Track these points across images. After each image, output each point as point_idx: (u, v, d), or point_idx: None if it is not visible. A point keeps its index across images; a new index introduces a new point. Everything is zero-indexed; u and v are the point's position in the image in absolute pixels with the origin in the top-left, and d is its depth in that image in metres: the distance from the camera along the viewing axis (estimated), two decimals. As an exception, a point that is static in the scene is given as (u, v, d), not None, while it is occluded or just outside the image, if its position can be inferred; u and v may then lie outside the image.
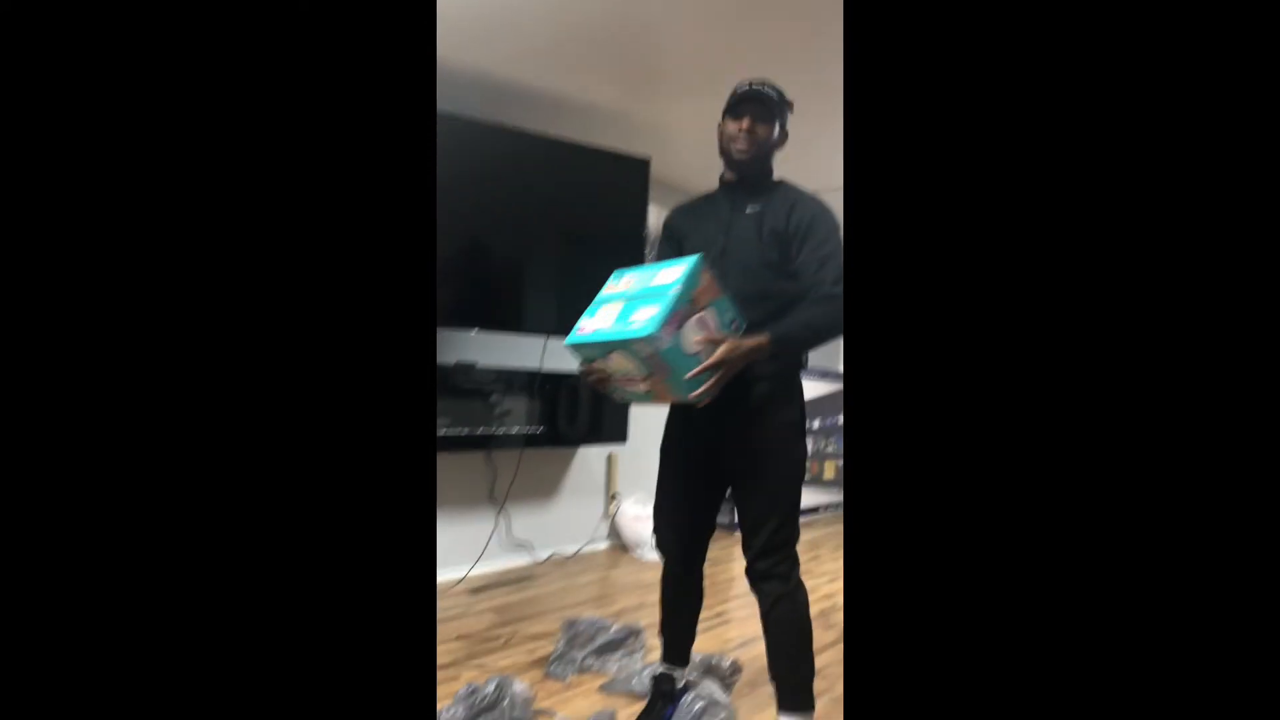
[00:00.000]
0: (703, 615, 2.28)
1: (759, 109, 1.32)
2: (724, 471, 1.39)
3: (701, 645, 2.00)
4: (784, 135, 1.39)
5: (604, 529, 3.15)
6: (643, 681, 1.65)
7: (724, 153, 1.38)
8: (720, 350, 1.13)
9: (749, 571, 1.38)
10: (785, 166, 1.48)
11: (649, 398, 1.23)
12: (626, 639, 1.87)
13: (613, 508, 3.13)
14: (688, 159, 3.04)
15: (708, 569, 2.91)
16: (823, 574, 2.83)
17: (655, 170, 2.98)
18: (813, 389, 4.05)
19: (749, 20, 1.89)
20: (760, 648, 2.01)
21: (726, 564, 2.95)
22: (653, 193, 2.93)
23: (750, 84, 1.36)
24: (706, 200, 1.46)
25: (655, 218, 3.33)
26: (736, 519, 1.41)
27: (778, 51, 2.04)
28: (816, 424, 4.10)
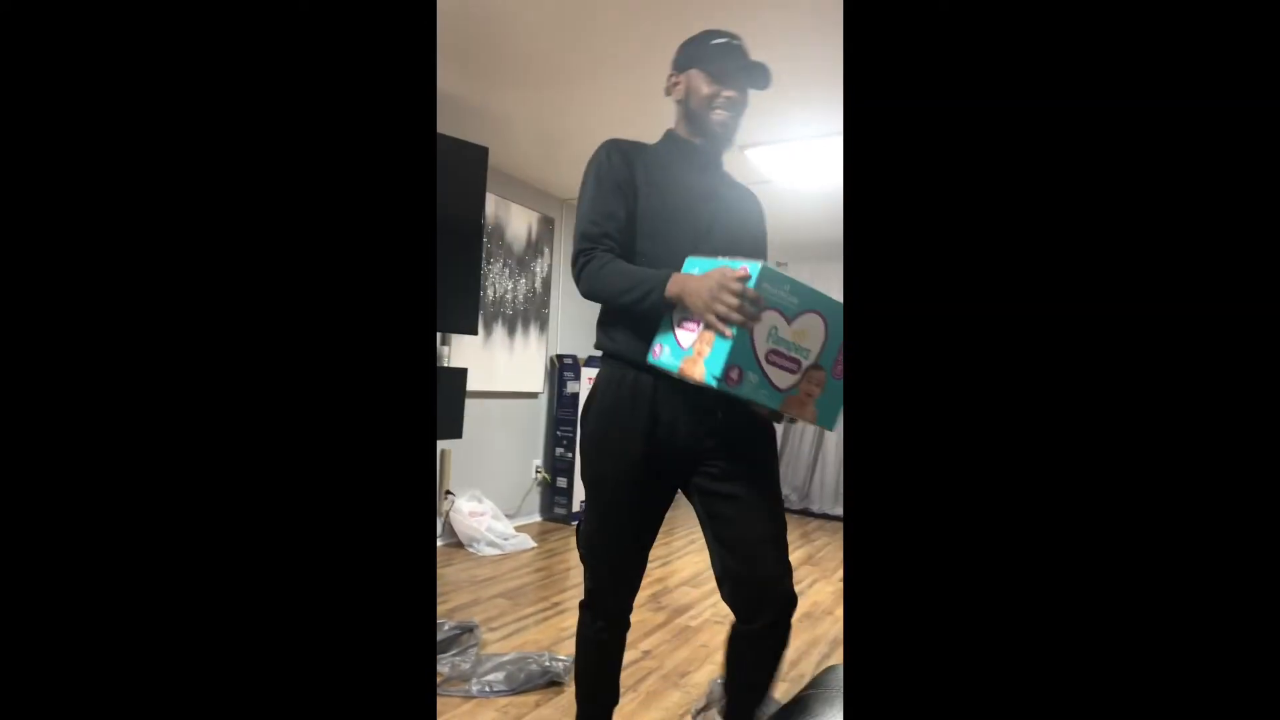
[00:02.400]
0: (539, 605, 2.31)
1: (750, 78, 1.12)
2: (686, 491, 1.13)
3: (536, 637, 2.01)
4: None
5: (437, 527, 3.05)
6: (481, 681, 1.64)
7: (694, 113, 1.13)
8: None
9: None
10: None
11: (775, 400, 0.95)
12: (460, 636, 1.84)
13: (446, 505, 3.04)
14: (527, 150, 3.02)
15: (547, 560, 2.93)
16: (653, 559, 2.97)
17: (494, 159, 2.93)
18: (647, 382, 4.21)
19: (593, 14, 1.92)
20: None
21: (563, 554, 2.99)
22: (491, 182, 2.88)
23: (717, 36, 1.12)
24: (670, 152, 1.17)
25: (493, 207, 3.27)
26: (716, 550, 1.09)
27: (618, 46, 2.10)
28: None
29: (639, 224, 1.12)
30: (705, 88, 1.11)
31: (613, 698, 1.22)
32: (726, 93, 1.11)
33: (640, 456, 1.07)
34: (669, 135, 1.19)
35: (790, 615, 1.07)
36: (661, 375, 1.05)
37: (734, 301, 0.88)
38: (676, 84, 1.16)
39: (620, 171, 1.12)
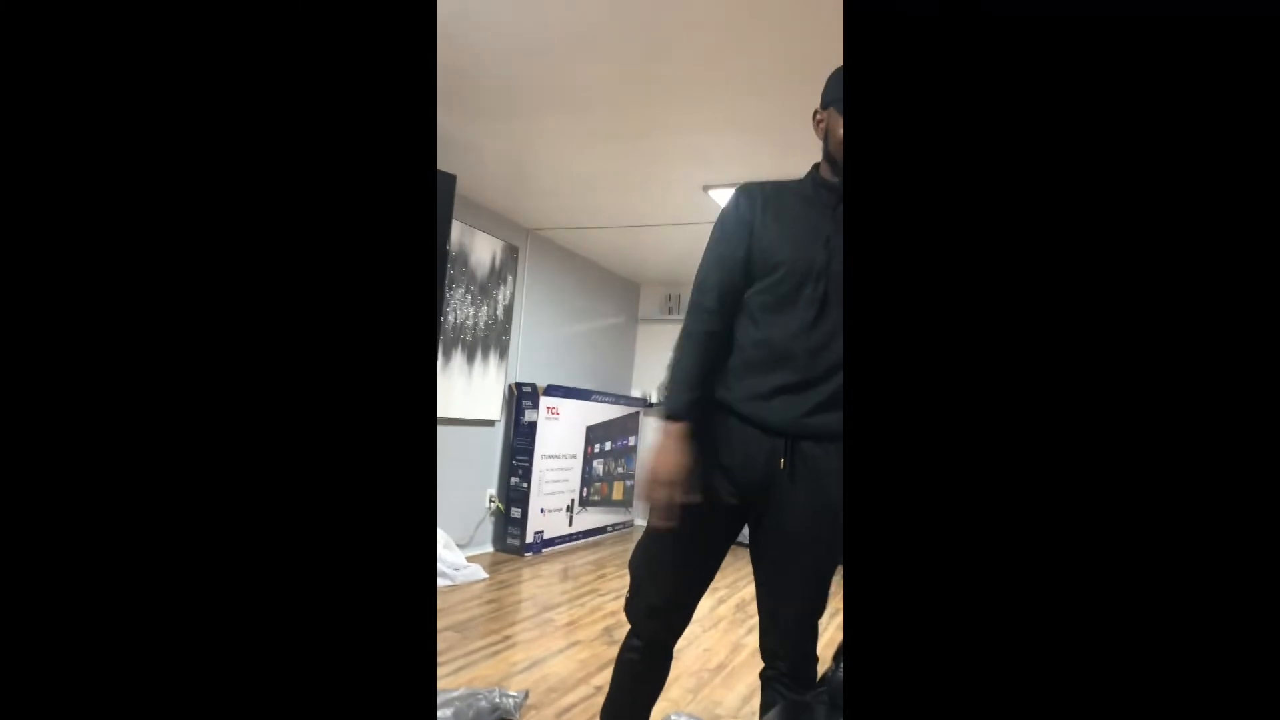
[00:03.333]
0: (489, 639, 2.25)
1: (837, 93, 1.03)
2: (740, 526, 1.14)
3: (486, 671, 1.97)
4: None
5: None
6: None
7: (830, 155, 1.05)
8: None
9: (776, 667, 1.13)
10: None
11: None
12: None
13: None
14: (494, 179, 3.04)
15: (498, 591, 2.87)
16: (608, 591, 2.94)
17: (460, 187, 2.94)
18: (604, 412, 4.21)
19: (565, 45, 1.96)
20: (549, 669, 2.03)
21: (516, 586, 2.94)
22: (457, 209, 2.88)
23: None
24: (796, 194, 1.08)
25: (458, 233, 3.26)
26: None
27: (589, 77, 2.15)
28: (608, 445, 4.26)
29: (753, 266, 1.07)
30: (841, 129, 1.01)
31: None
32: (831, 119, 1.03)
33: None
34: (811, 174, 1.11)
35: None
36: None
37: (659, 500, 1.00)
38: (820, 121, 1.07)
39: (738, 229, 1.08)
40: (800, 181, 1.11)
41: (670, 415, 1.04)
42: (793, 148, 2.37)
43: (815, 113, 1.08)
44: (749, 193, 1.10)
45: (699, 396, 1.06)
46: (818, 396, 1.02)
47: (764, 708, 1.19)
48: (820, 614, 1.12)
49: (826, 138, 1.05)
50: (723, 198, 2.91)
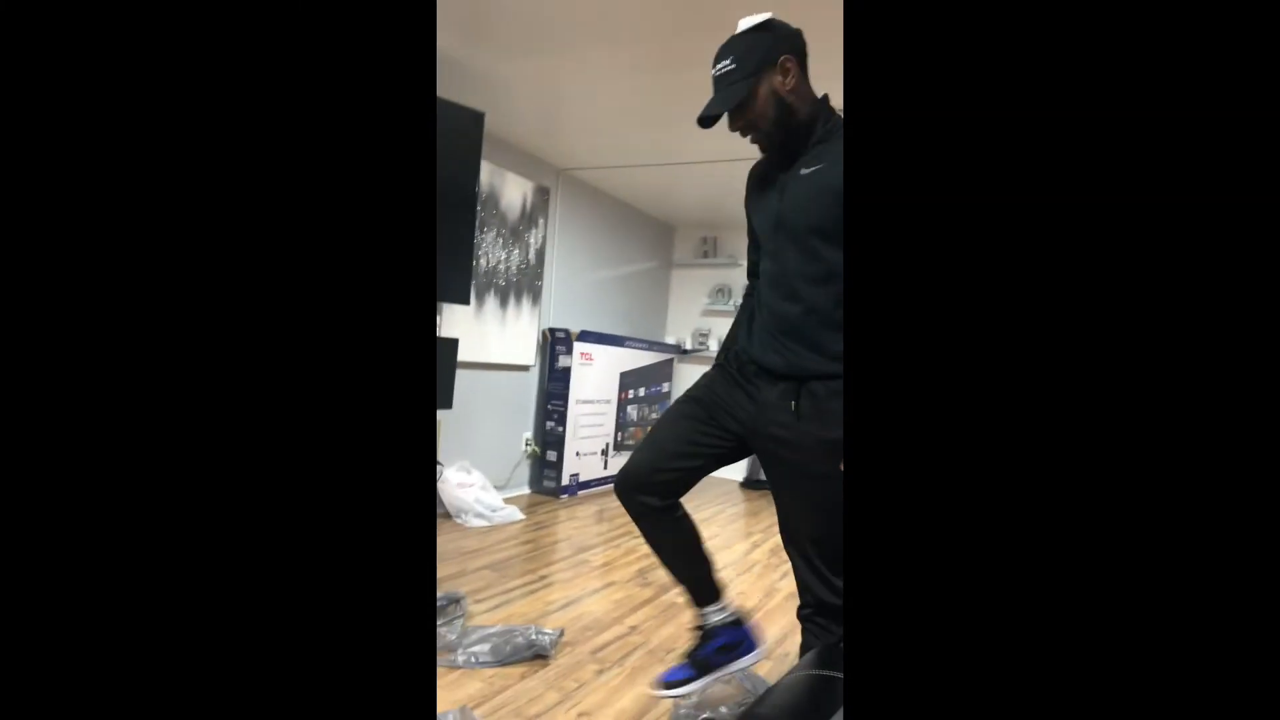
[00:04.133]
0: (526, 578, 2.31)
1: (723, 108, 1.13)
2: (752, 450, 1.24)
3: (523, 609, 2.01)
4: (789, 67, 1.13)
5: (424, 497, 3.05)
6: (467, 652, 1.63)
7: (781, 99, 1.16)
8: None
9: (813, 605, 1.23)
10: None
11: None
12: (446, 608, 1.84)
13: (435, 476, 3.03)
14: (524, 117, 2.96)
15: (535, 532, 2.93)
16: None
17: (490, 125, 2.86)
18: (637, 358, 4.19)
19: (594, -18, 1.85)
20: (584, 608, 2.07)
21: (552, 527, 2.99)
22: (487, 149, 2.81)
23: (712, 69, 1.16)
24: (767, 161, 1.23)
25: (487, 175, 3.20)
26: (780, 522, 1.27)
27: (621, 12, 2.03)
28: (642, 392, 4.26)
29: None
30: (783, 82, 1.15)
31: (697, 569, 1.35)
32: (732, 128, 1.18)
33: None
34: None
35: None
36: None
37: None
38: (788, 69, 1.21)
39: (746, 196, 1.30)
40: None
41: None
42: (837, 79, 2.23)
43: (784, 60, 1.13)
44: (749, 175, 1.28)
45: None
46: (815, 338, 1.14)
47: (803, 649, 1.23)
48: (839, 547, 1.16)
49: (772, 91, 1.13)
50: None
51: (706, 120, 1.14)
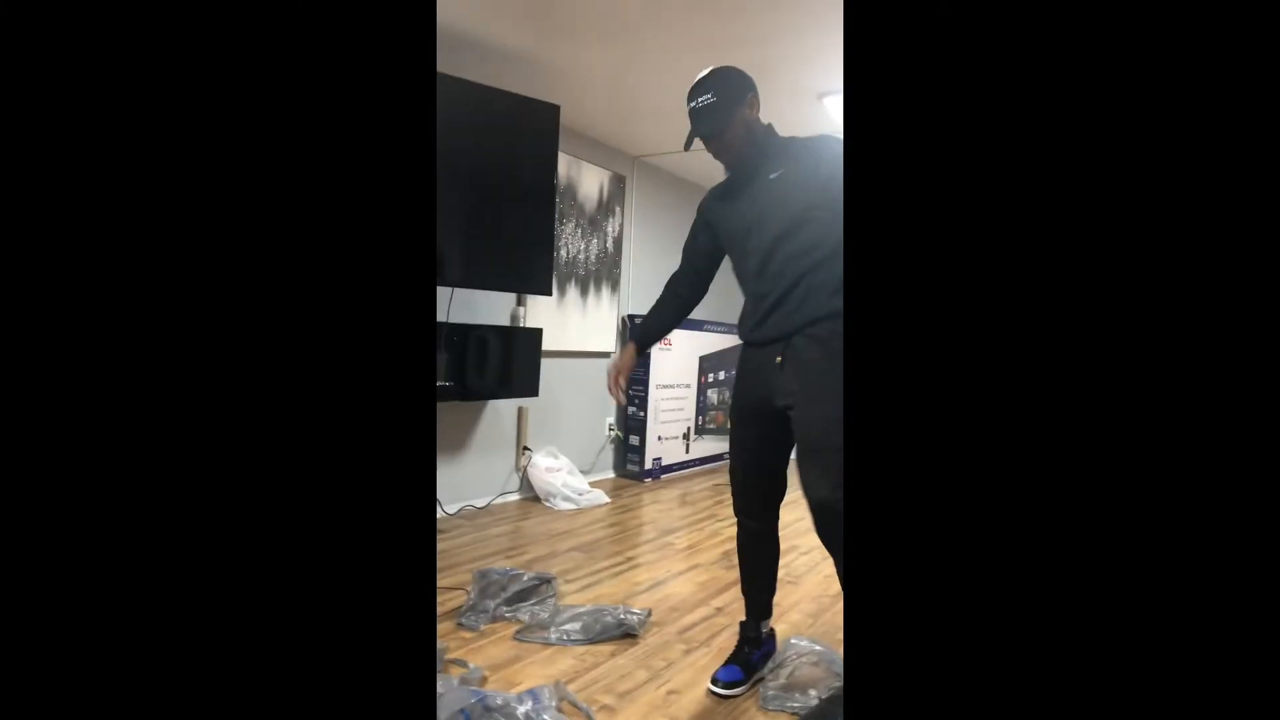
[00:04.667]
0: (613, 560, 2.37)
1: (704, 126, 1.39)
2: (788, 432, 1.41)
3: (611, 590, 2.07)
4: (753, 101, 1.44)
5: (514, 481, 3.17)
6: (559, 630, 1.70)
7: (739, 133, 1.44)
8: None
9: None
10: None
11: None
12: (538, 587, 1.92)
13: (524, 461, 3.14)
14: (597, 106, 2.99)
15: (620, 515, 3.00)
16: (725, 517, 2.99)
17: (565, 117, 2.91)
18: (716, 342, 4.17)
19: (662, -34, 1.84)
20: (670, 589, 2.11)
21: (636, 510, 3.05)
22: (563, 141, 2.86)
23: (688, 100, 1.42)
24: (729, 183, 1.51)
25: (564, 167, 3.26)
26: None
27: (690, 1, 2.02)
28: (721, 375, 4.25)
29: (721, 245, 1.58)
30: (741, 118, 1.42)
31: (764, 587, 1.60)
32: (706, 147, 1.44)
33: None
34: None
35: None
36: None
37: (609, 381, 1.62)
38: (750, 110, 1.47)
39: (695, 223, 1.64)
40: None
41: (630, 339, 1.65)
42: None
43: (750, 96, 1.43)
44: (705, 198, 1.61)
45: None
46: (787, 309, 1.38)
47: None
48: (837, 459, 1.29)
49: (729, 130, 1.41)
50: (839, 107, 2.69)
51: (691, 142, 1.41)
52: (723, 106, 1.38)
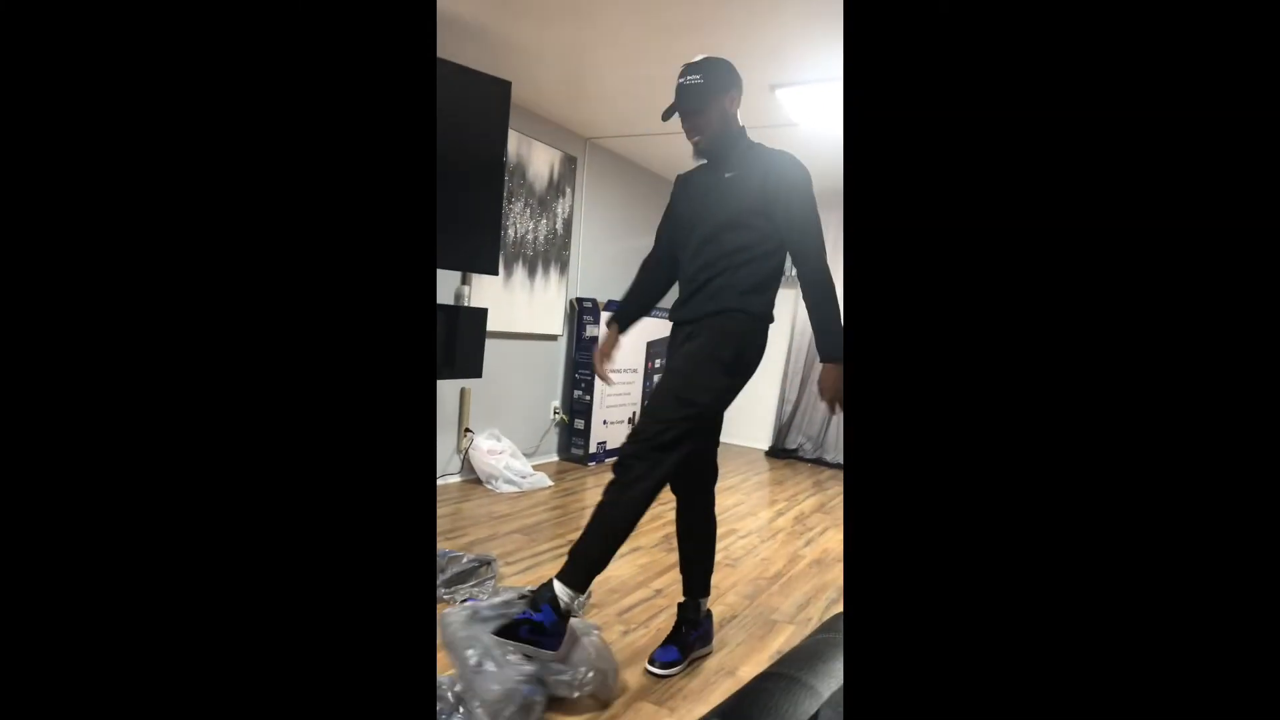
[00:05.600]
0: (554, 542, 2.37)
1: (688, 104, 1.46)
2: None
3: (552, 572, 2.07)
4: (734, 98, 1.51)
5: (455, 463, 3.12)
6: (494, 609, 1.70)
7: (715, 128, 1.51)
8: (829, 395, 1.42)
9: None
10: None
11: None
12: (478, 569, 1.90)
13: (465, 442, 3.10)
14: (551, 86, 2.94)
15: (563, 499, 3.00)
16: (668, 500, 3.01)
17: (516, 94, 2.85)
18: (664, 327, 4.20)
19: (620, -55, 1.82)
20: (611, 571, 2.13)
21: (580, 493, 3.05)
22: (513, 118, 2.80)
23: (679, 77, 1.48)
24: (698, 169, 1.61)
25: (514, 144, 3.20)
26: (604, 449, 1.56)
27: (647, -17, 2.00)
28: (660, 363, 4.27)
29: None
30: (719, 109, 1.50)
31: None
32: (684, 125, 1.51)
33: None
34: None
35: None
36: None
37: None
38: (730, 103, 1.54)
39: (671, 195, 1.69)
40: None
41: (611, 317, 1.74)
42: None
43: (732, 91, 1.50)
44: (675, 180, 1.67)
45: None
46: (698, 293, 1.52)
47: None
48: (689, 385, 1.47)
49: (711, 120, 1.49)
50: (791, 99, 2.73)
51: (670, 113, 1.48)
52: (706, 90, 1.46)
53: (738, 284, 1.46)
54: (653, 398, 1.50)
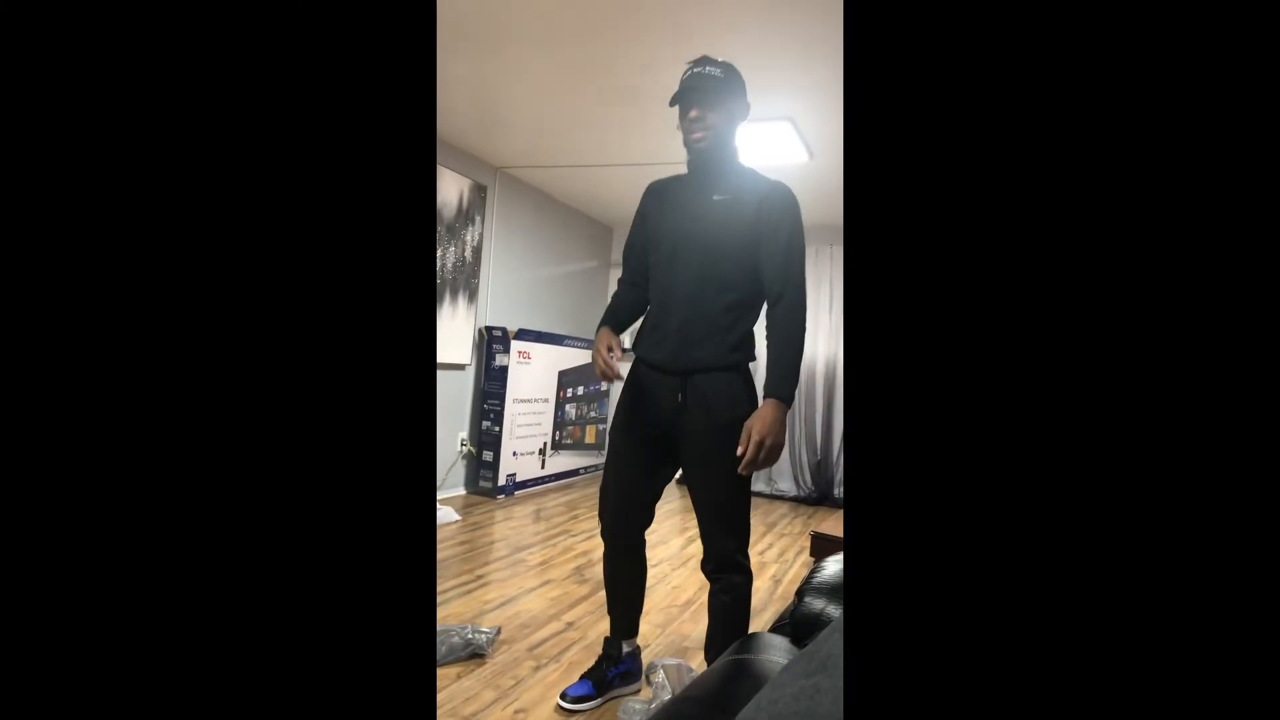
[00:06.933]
0: (462, 578, 2.29)
1: (705, 95, 1.29)
2: (675, 457, 1.46)
3: (459, 609, 2.00)
4: (742, 112, 1.37)
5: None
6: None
7: (684, 142, 1.35)
8: (754, 438, 1.26)
9: (707, 560, 1.43)
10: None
11: None
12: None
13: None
14: (461, 114, 2.92)
15: (470, 533, 2.90)
16: (580, 532, 2.99)
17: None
18: (576, 357, 4.20)
19: (533, -17, 1.86)
20: (521, 606, 2.08)
21: (488, 527, 2.97)
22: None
23: (693, 66, 1.32)
24: (677, 181, 1.45)
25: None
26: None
27: (562, 12, 2.05)
28: (580, 390, 4.27)
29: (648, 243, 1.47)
30: (679, 119, 1.34)
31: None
32: (692, 114, 1.31)
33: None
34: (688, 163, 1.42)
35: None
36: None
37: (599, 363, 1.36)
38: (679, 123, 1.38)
39: (638, 211, 1.51)
40: (684, 175, 1.44)
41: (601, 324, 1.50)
42: (777, 88, 2.30)
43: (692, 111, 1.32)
44: (647, 190, 1.50)
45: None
46: (697, 336, 1.36)
47: (711, 599, 1.46)
48: (734, 515, 1.41)
49: (682, 133, 1.36)
50: (805, 130, 2.78)
51: (683, 101, 1.32)
52: (726, 87, 1.31)
53: (724, 338, 1.35)
54: (726, 502, 1.39)
